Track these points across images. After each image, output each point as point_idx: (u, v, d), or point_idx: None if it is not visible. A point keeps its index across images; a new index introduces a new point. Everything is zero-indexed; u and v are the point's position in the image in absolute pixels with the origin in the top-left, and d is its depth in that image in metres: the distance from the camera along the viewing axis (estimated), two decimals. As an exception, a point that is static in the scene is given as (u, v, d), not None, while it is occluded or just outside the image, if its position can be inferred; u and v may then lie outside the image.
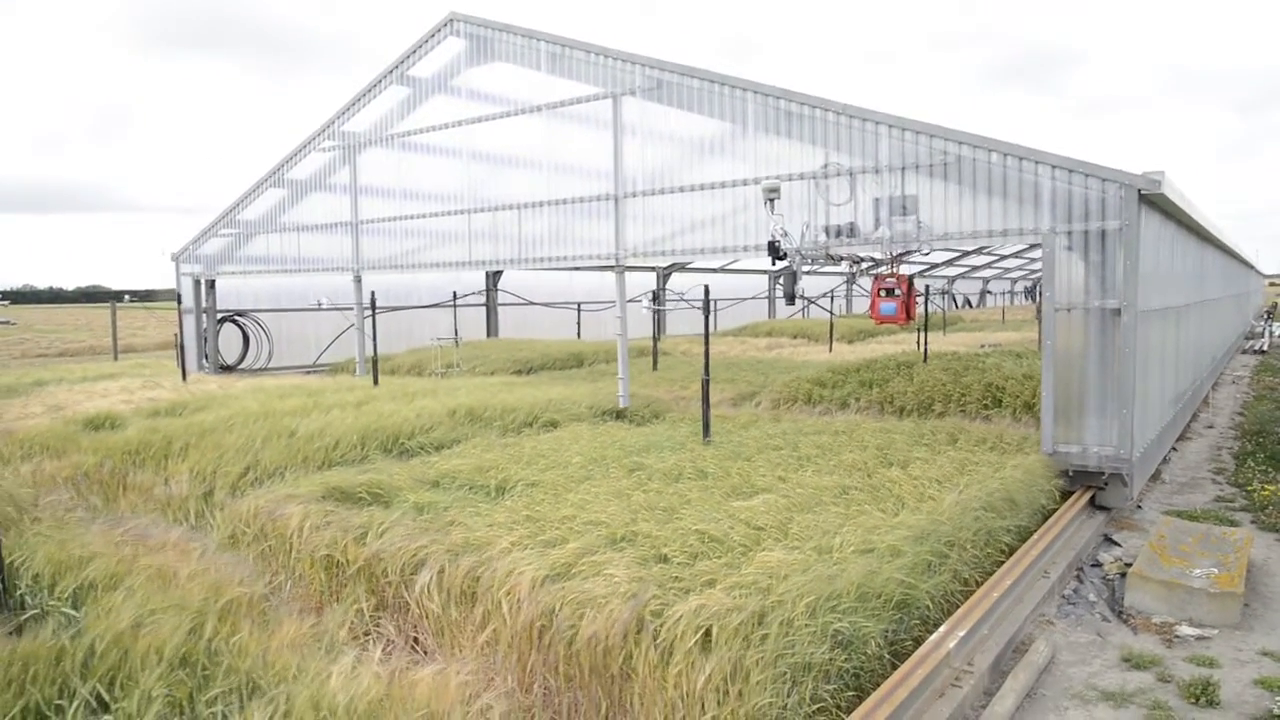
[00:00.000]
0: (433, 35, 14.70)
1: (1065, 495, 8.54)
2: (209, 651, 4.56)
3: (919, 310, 10.78)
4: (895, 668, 4.84)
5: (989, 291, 47.75)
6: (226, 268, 19.58)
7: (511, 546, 5.80)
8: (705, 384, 9.78)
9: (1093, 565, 7.40)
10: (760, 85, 10.53)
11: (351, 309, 17.81)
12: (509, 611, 5.27)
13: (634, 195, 12.13)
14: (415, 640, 5.77)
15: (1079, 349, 8.62)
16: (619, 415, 11.71)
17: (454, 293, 21.03)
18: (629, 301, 13.22)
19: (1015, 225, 8.85)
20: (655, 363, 18.12)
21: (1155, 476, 10.44)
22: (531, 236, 13.58)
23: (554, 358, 19.11)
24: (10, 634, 4.85)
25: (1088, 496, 8.62)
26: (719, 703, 4.43)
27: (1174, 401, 11.86)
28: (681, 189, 11.62)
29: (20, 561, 6.14)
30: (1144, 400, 9.13)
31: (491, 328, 24.44)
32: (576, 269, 14.01)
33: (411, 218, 15.77)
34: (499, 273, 23.82)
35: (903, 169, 9.46)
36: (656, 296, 18.55)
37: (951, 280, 38.57)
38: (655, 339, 18.90)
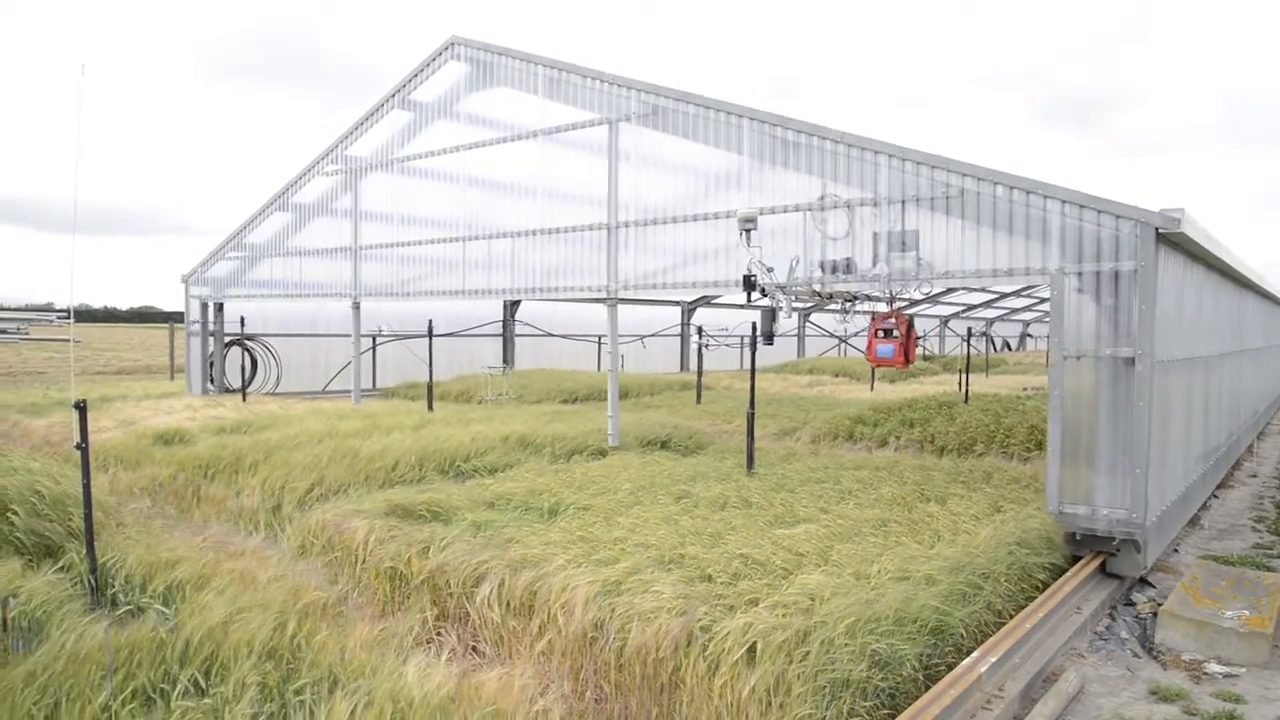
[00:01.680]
0: (434, 59, 14.62)
1: (1075, 559, 7.94)
2: (293, 647, 4.98)
3: (918, 353, 10.53)
4: (929, 690, 5.12)
5: (1029, 335, 47.52)
6: (233, 291, 19.55)
7: (566, 564, 6.16)
8: (750, 418, 10.11)
9: (1126, 604, 7.59)
10: (756, 112, 10.19)
11: (408, 337, 18.36)
12: (563, 622, 5.63)
13: (628, 225, 11.82)
14: (474, 648, 6.14)
15: (1088, 401, 7.92)
16: (664, 445, 12.06)
17: (503, 322, 21.61)
18: (651, 335, 13.43)
19: (1022, 264, 8.29)
20: (699, 397, 18.46)
21: (1194, 522, 10.54)
22: (526, 266, 13.33)
23: (599, 388, 19.52)
24: (109, 627, 5.29)
25: (1097, 563, 7.87)
26: (761, 713, 4.74)
27: (1203, 458, 11.02)
28: (674, 219, 11.30)
29: (111, 562, 6.63)
30: (1163, 459, 8.43)
31: (508, 358, 24.03)
32: (568, 300, 13.94)
33: (408, 244, 15.65)
34: (516, 302, 23.56)
35: (903, 202, 8.98)
36: (701, 331, 18.87)
37: (990, 323, 38.56)
38: (699, 374, 19.26)
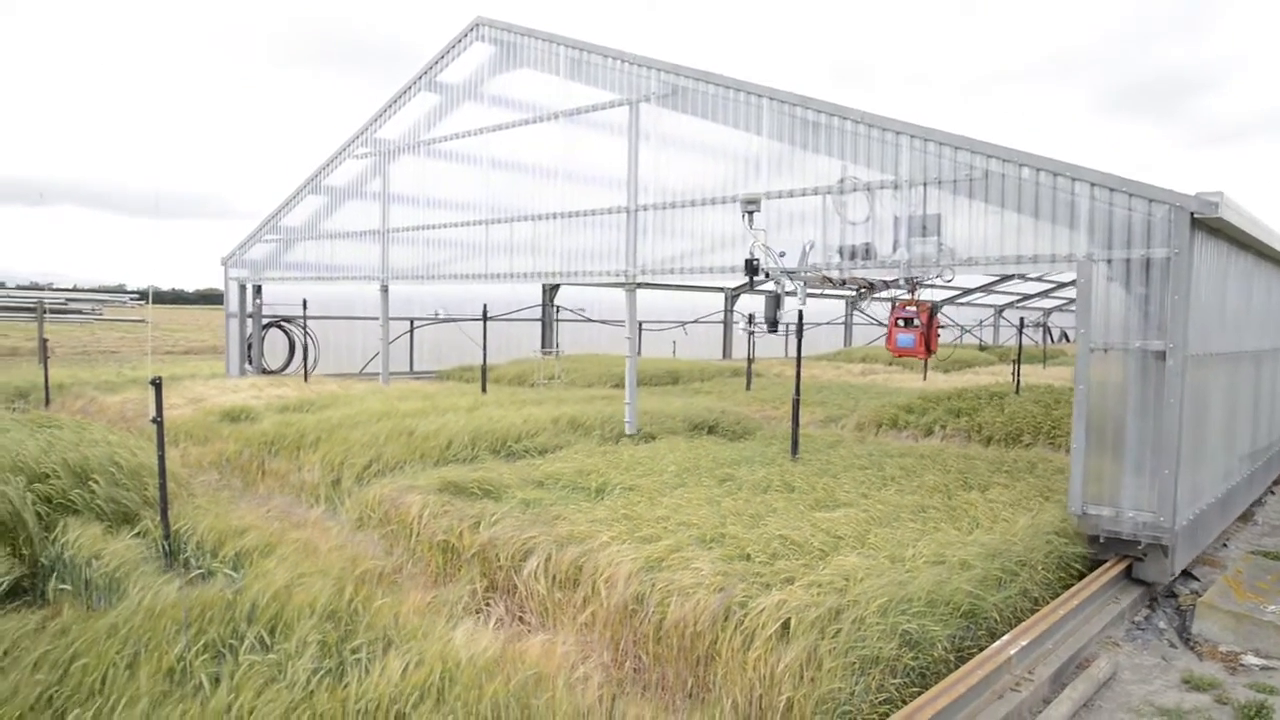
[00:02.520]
0: (460, 40, 14.47)
1: (1099, 563, 7.56)
2: (350, 610, 5.29)
3: (939, 343, 9.86)
4: (958, 669, 5.26)
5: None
6: (270, 273, 19.65)
7: (610, 540, 6.40)
8: (796, 404, 10.25)
9: (1167, 596, 7.61)
10: (776, 91, 9.90)
11: (463, 320, 18.71)
12: (605, 596, 5.87)
13: (648, 209, 11.61)
14: (520, 618, 6.42)
15: (1116, 396, 7.51)
16: (711, 430, 12.24)
17: (542, 307, 21.91)
18: (693, 321, 13.44)
19: (1048, 250, 7.87)
20: (749, 383, 18.60)
21: (1246, 517, 10.44)
22: (548, 250, 13.18)
23: (649, 374, 19.75)
24: (181, 588, 5.67)
25: (1122, 566, 7.47)
26: (794, 686, 4.93)
27: (1251, 458, 10.48)
28: (694, 203, 11.01)
29: (184, 530, 7.04)
30: (1197, 459, 8.02)
31: (548, 343, 23.75)
32: (589, 285, 13.80)
33: (433, 227, 15.56)
34: (556, 287, 23.41)
35: (924, 184, 8.64)
36: (751, 319, 18.98)
37: (1047, 313, 37.94)
38: (750, 360, 19.38)
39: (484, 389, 15.08)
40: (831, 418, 14.21)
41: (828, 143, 9.46)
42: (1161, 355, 7.28)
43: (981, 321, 37.06)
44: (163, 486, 6.83)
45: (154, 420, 6.72)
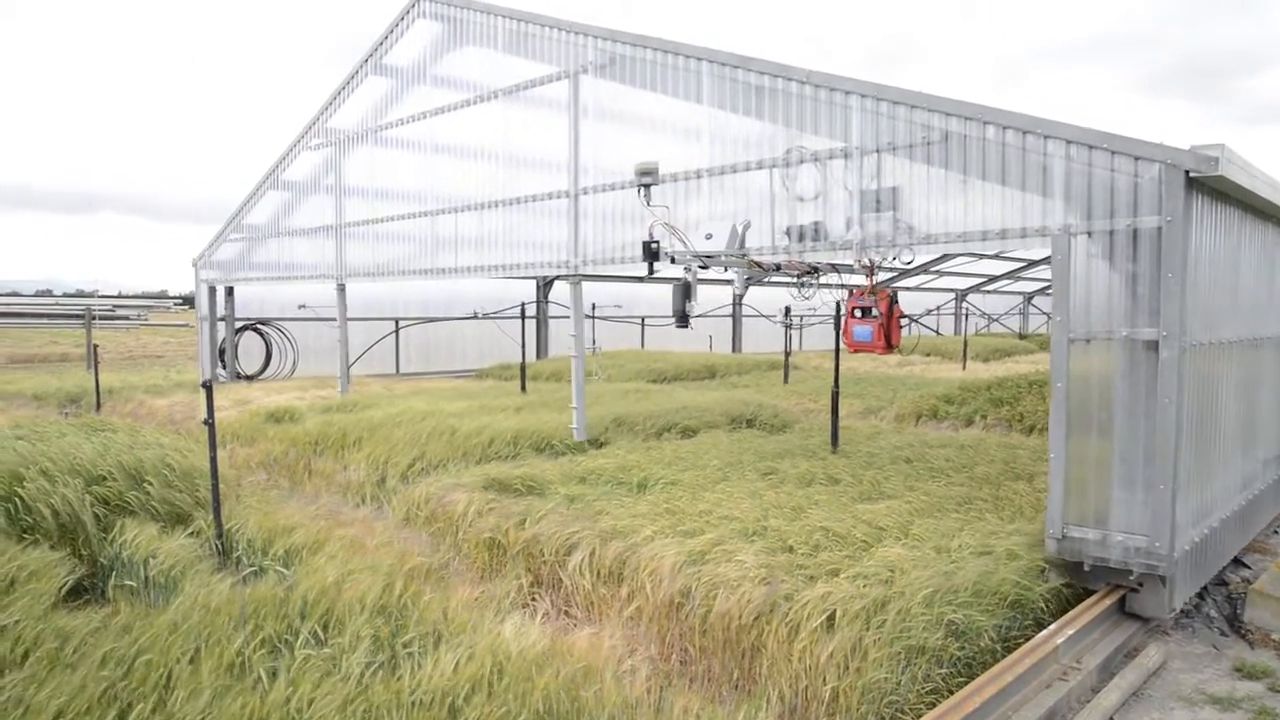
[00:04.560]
0: (402, 18, 13.60)
1: (1085, 593, 6.36)
2: (400, 605, 5.39)
3: (902, 336, 8.61)
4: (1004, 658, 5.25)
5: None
6: (239, 274, 18.76)
7: (654, 535, 6.46)
8: (835, 396, 10.24)
9: (1217, 584, 7.51)
10: (715, 53, 8.88)
11: (499, 316, 18.82)
12: (650, 590, 5.93)
13: (590, 192, 10.59)
14: (566, 612, 6.49)
15: (1100, 395, 6.25)
16: (750, 424, 12.25)
17: (593, 304, 21.97)
18: (699, 316, 12.68)
19: (1018, 223, 6.67)
20: (786, 376, 18.57)
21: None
22: (491, 240, 12.30)
23: (687, 369, 19.80)
24: (235, 585, 5.80)
25: (1114, 599, 6.20)
26: (839, 676, 4.96)
27: (1273, 464, 8.86)
28: (630, 183, 9.61)
29: (235, 529, 7.20)
30: (1204, 468, 6.78)
31: (541, 344, 22.91)
32: (531, 277, 13.02)
33: (381, 221, 14.67)
34: (550, 282, 22.47)
35: (878, 152, 7.54)
36: (788, 311, 18.92)
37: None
38: (787, 353, 19.35)
39: (523, 387, 15.20)
40: (870, 409, 14.17)
41: (772, 108, 8.36)
42: (1154, 345, 5.99)
43: (1012, 309, 36.64)
44: (215, 487, 6.99)
45: (205, 422, 6.88)
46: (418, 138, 13.73)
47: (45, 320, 33.36)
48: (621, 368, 19.51)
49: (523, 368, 15.94)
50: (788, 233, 8.18)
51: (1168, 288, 5.91)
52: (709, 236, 8.15)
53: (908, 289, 29.16)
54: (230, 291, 19.47)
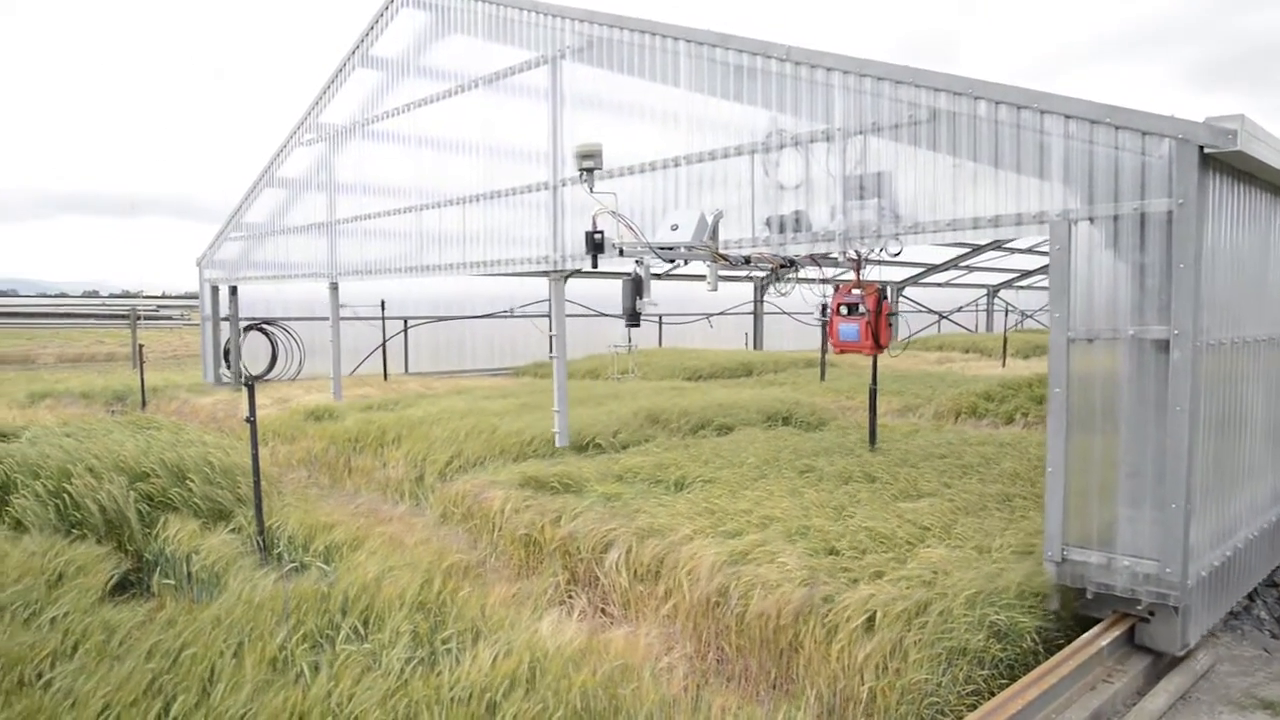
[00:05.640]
0: (386, 7, 13.26)
1: (1088, 623, 5.68)
2: (438, 602, 5.42)
3: (891, 335, 8.12)
4: (1047, 660, 5.17)
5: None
6: (241, 273, 18.43)
7: (693, 534, 6.44)
8: (873, 393, 10.14)
9: (1268, 585, 7.35)
10: (693, 32, 8.37)
11: (535, 315, 18.76)
12: (688, 588, 5.91)
13: (569, 183, 10.06)
14: (602, 609, 6.50)
15: (1104, 401, 5.63)
16: (786, 421, 12.18)
17: (549, 301, 21.97)
18: (719, 314, 12.35)
19: (1012, 209, 6.05)
20: (823, 374, 18.45)
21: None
22: (472, 236, 11.85)
23: (723, 366, 19.74)
24: (277, 581, 5.87)
25: (1122, 629, 5.53)
26: (878, 676, 4.92)
27: None
28: (609, 173, 9.28)
29: (276, 525, 7.29)
30: (1224, 483, 6.05)
31: (553, 340, 22.61)
32: (510, 275, 12.88)
33: (369, 217, 14.16)
34: (565, 278, 22.16)
35: (863, 134, 6.97)
36: (825, 309, 18.79)
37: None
38: (823, 351, 19.22)
39: (559, 385, 15.25)
40: (909, 407, 14.03)
41: (751, 89, 7.82)
42: (1164, 345, 5.34)
43: (1044, 306, 36.12)
44: (257, 484, 7.08)
45: (247, 420, 6.98)
46: (404, 131, 13.36)
47: (92, 320, 34.05)
48: (655, 366, 19.51)
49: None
50: (768, 223, 7.69)
51: (1180, 280, 5.25)
52: (675, 227, 7.51)
53: (936, 285, 28.80)
54: (234, 291, 19.16)
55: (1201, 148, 5.19)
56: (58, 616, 5.10)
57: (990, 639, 5.04)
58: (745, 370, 19.94)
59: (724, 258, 7.61)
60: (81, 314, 33.99)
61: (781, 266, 8.04)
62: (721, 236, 7.74)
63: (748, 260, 7.78)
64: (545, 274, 10.81)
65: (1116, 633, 5.48)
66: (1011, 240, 21.06)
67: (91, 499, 7.25)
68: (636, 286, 7.81)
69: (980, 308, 33.23)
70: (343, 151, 14.93)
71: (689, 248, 7.39)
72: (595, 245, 7.75)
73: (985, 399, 13.12)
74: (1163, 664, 5.62)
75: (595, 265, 8.19)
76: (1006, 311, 33.06)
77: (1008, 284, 31.91)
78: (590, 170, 7.81)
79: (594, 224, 7.85)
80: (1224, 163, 5.47)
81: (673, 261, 7.76)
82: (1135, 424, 5.51)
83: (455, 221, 12.16)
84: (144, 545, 7.17)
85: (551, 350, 10.53)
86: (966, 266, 26.55)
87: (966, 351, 25.75)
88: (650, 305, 7.92)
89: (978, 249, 23.26)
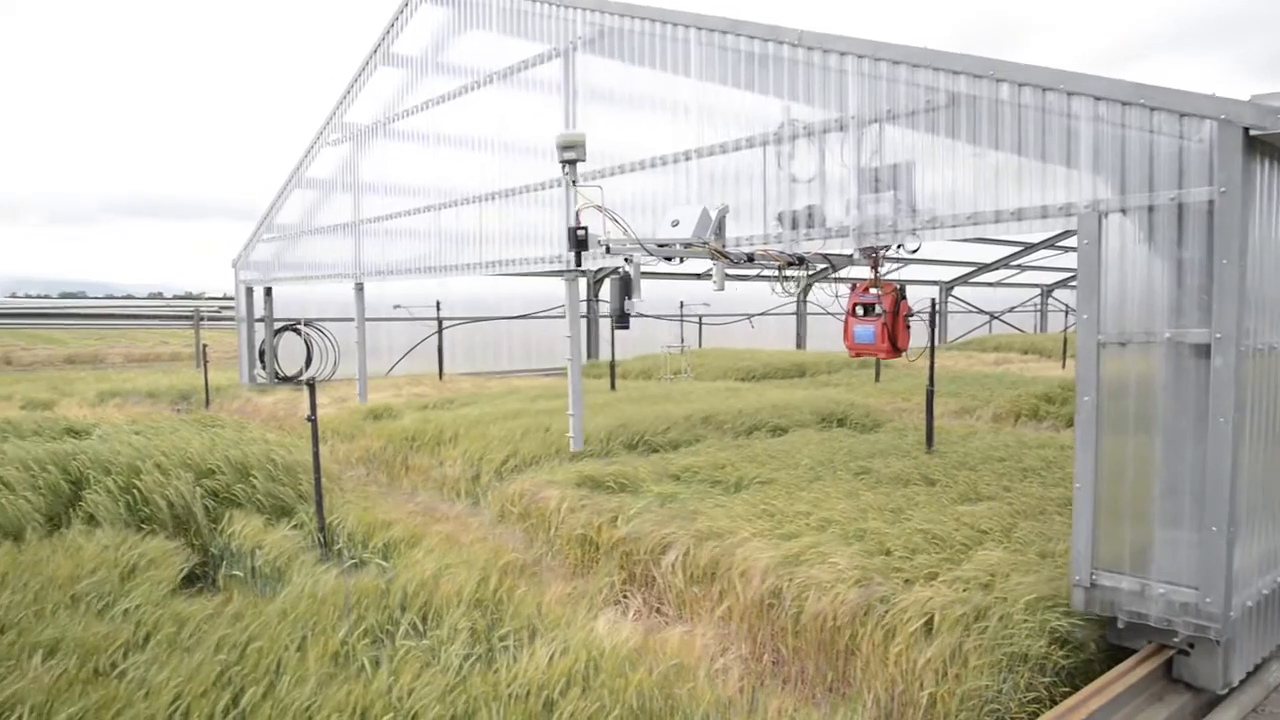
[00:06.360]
0: (405, 5, 13.18)
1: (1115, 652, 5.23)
2: (495, 600, 5.48)
3: (909, 337, 7.75)
4: (1112, 668, 5.07)
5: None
6: (275, 274, 18.41)
7: (752, 536, 6.42)
8: (930, 394, 10.02)
9: (1344, 595, 7.11)
10: (703, 19, 8.10)
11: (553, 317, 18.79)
12: (742, 590, 5.90)
13: (587, 179, 9.64)
14: (657, 610, 6.51)
15: (1138, 411, 5.06)
16: (841, 422, 12.09)
17: (681, 303, 21.95)
18: (760, 314, 12.00)
19: (1037, 200, 5.59)
20: (878, 375, 18.27)
21: None
22: (488, 235, 11.71)
23: (776, 367, 19.66)
24: (339, 576, 5.98)
25: (1159, 662, 5.02)
26: (937, 682, 4.86)
27: None
28: (620, 168, 9.22)
29: (336, 522, 7.43)
30: (1270, 506, 5.34)
31: (591, 343, 22.14)
32: (525, 274, 12.75)
33: (391, 217, 14.09)
34: (601, 279, 21.76)
35: (879, 122, 6.59)
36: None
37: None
38: (877, 351, 19.03)
39: (613, 385, 15.30)
40: (966, 409, 13.83)
41: (762, 77, 7.46)
42: (1205, 350, 4.80)
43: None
44: (318, 481, 7.22)
45: (308, 419, 7.12)
46: (422, 129, 13.29)
47: (157, 321, 34.94)
48: (708, 366, 19.48)
49: (612, 366, 16.04)
50: (779, 219, 7.32)
51: (1222, 277, 4.71)
52: (675, 223, 7.22)
53: (987, 284, 28.32)
54: (268, 292, 19.19)
55: (1246, 129, 4.64)
56: (130, 608, 5.25)
57: (1052, 645, 4.95)
58: (798, 371, 19.82)
59: (724, 255, 7.28)
60: (147, 315, 34.87)
61: (790, 265, 7.61)
62: (733, 233, 7.55)
63: (750, 258, 7.44)
64: (559, 274, 10.48)
65: (1146, 670, 4.98)
66: (1064, 239, 20.44)
67: (160, 494, 7.46)
68: (625, 286, 7.41)
69: (1035, 307, 32.59)
70: (367, 151, 14.95)
71: (686, 245, 7.11)
72: (579, 242, 7.30)
73: (1045, 401, 12.88)
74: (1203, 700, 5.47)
75: (579, 263, 8.05)
76: (1066, 312, 32.37)
77: (1062, 283, 31.23)
78: (572, 162, 7.56)
79: (577, 219, 7.50)
80: (1272, 146, 4.89)
81: (670, 259, 7.52)
82: (1173, 436, 4.96)
83: (471, 220, 12.09)
84: (210, 540, 7.35)
85: (568, 352, 10.23)
86: (1018, 266, 26.06)
87: (1025, 352, 25.31)
88: (638, 304, 7.59)
89: (1030, 247, 22.82)
